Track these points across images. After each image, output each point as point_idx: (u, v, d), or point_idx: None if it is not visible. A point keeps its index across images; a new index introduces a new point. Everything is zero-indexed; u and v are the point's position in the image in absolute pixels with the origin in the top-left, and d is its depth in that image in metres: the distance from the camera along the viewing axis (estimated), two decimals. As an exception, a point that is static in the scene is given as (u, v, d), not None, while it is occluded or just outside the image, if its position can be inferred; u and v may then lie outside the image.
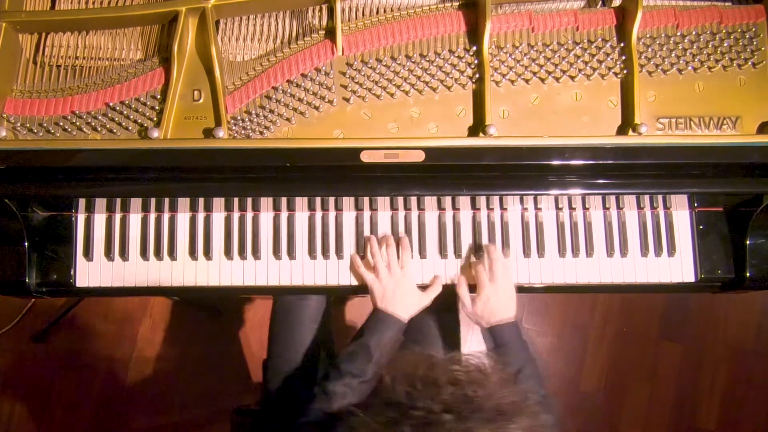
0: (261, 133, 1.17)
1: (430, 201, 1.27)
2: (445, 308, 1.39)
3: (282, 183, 1.15)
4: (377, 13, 1.22)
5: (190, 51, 1.19)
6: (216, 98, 1.16)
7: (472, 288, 1.24)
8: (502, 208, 1.28)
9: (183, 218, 1.27)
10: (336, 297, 1.90)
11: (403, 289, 1.20)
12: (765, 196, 1.22)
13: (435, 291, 1.25)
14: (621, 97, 1.19)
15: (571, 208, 1.28)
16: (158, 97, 1.16)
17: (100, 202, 1.24)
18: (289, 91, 1.18)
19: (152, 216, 1.27)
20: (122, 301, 2.21)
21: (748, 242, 1.23)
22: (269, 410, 1.33)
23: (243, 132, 1.16)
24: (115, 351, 2.19)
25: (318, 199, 1.26)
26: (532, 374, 1.12)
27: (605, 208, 1.29)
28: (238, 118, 1.17)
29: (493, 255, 1.22)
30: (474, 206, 1.28)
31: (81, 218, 1.26)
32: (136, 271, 1.25)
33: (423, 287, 1.24)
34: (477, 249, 1.27)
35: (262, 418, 1.33)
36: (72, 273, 1.24)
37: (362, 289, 1.25)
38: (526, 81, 1.19)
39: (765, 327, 2.25)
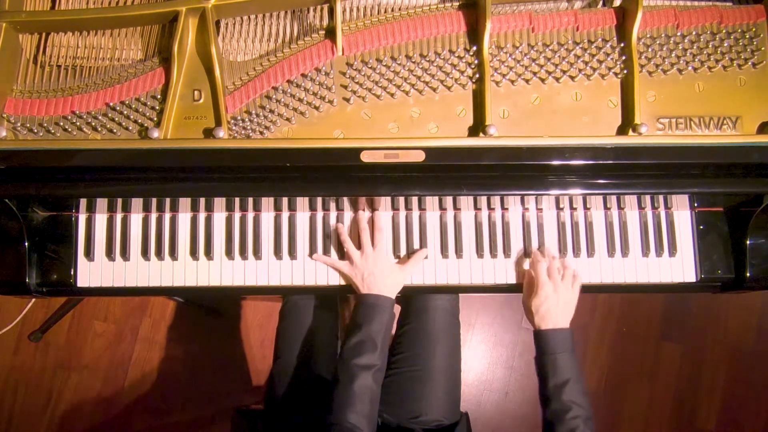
0: (261, 133, 1.17)
1: (431, 201, 1.27)
2: (447, 310, 1.39)
3: (282, 183, 1.15)
4: (377, 13, 1.22)
5: (190, 51, 1.19)
6: (216, 98, 1.16)
7: (519, 288, 1.25)
8: (503, 208, 1.28)
9: (184, 218, 1.27)
10: (342, 297, 1.90)
11: (380, 268, 1.20)
12: (765, 196, 1.22)
13: (415, 263, 1.24)
14: (621, 97, 1.19)
15: (572, 208, 1.29)
16: (158, 97, 1.16)
17: (101, 202, 1.24)
18: (289, 91, 1.17)
19: (153, 216, 1.27)
20: (122, 301, 2.21)
21: (748, 242, 1.24)
22: (274, 410, 1.33)
23: (243, 132, 1.16)
24: (115, 351, 2.19)
25: (319, 200, 1.26)
26: (579, 390, 1.09)
27: (606, 208, 1.29)
28: (238, 118, 1.17)
29: (567, 262, 1.23)
30: (475, 206, 1.28)
31: (82, 218, 1.26)
32: (137, 271, 1.26)
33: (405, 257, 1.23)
34: (479, 249, 1.27)
35: (265, 418, 1.33)
36: (72, 273, 1.24)
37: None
38: (527, 81, 1.19)
39: (765, 327, 2.25)
